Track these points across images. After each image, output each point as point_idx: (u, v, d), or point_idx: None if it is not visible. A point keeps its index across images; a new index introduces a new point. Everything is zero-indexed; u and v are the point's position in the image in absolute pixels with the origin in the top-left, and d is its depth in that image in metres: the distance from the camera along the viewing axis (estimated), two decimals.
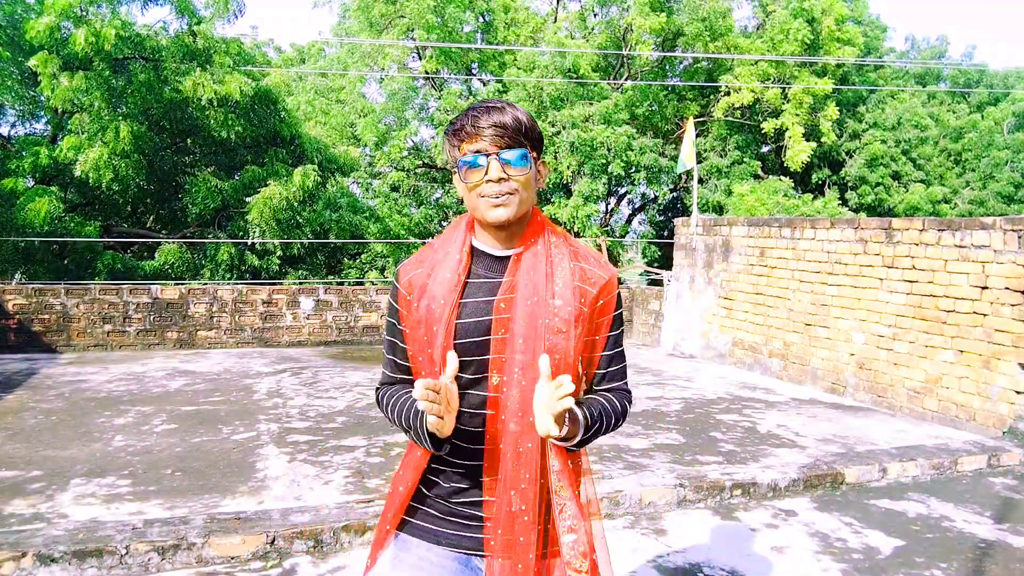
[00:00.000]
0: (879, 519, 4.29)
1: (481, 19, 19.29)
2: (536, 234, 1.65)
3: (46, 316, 8.91)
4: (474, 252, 1.65)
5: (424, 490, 1.67)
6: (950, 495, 4.75)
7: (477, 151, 1.54)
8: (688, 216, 10.13)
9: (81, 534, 3.48)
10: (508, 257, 1.63)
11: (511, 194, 1.55)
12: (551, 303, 1.56)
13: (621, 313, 1.70)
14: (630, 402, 1.77)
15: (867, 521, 4.25)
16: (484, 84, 20.48)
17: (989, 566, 3.66)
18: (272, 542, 3.56)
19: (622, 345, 1.71)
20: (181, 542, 3.45)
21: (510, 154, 1.55)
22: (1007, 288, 5.83)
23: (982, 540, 3.99)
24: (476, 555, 1.64)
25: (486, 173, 1.54)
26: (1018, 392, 5.73)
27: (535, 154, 1.60)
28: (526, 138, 1.57)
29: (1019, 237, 5.76)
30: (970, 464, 5.27)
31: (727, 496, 4.50)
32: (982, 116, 24.91)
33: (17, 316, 8.80)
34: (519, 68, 18.22)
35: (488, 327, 1.58)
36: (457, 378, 1.54)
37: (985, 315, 6.00)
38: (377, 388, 1.78)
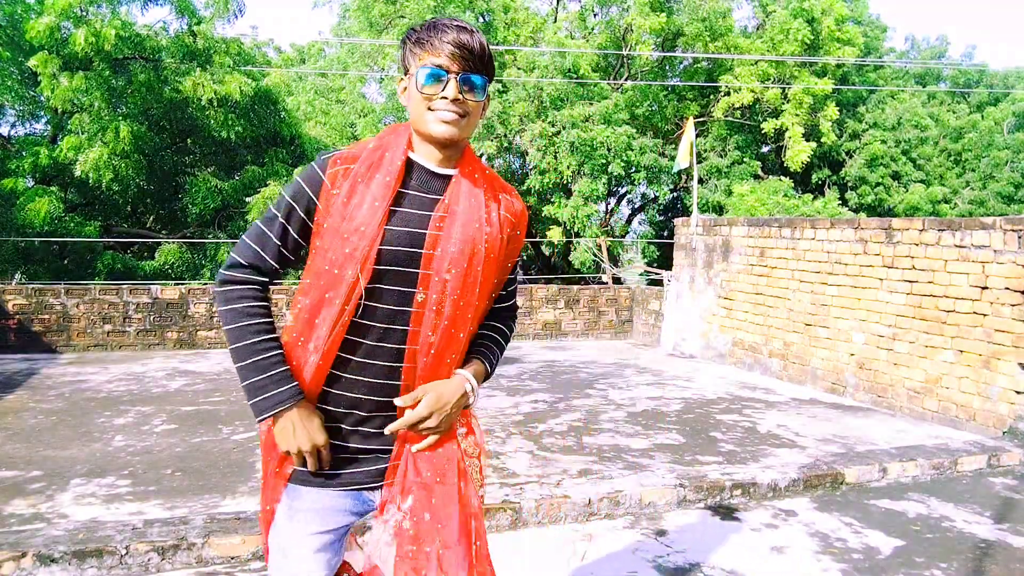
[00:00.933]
0: (879, 519, 4.29)
1: (481, 19, 19.27)
2: (472, 162, 1.68)
3: (46, 316, 8.91)
4: (409, 163, 1.64)
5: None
6: (950, 495, 4.75)
7: (439, 65, 1.55)
8: (688, 216, 10.13)
9: (81, 534, 3.48)
10: (444, 176, 1.65)
11: (463, 116, 1.57)
12: (484, 229, 1.62)
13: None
14: (515, 318, 1.91)
15: (867, 521, 4.25)
16: None
17: (989, 566, 3.66)
18: None
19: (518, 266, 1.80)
20: (181, 542, 3.45)
21: (472, 78, 1.57)
22: (1007, 288, 5.83)
23: (982, 540, 3.99)
24: (371, 487, 1.66)
25: (444, 88, 1.55)
26: (1018, 392, 5.73)
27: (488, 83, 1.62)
28: (485, 66, 1.59)
29: (1019, 237, 5.75)
30: (970, 464, 5.27)
31: (727, 496, 4.49)
32: (982, 116, 24.91)
33: (17, 316, 8.80)
34: (519, 68, 18.21)
35: (421, 241, 1.58)
36: (372, 291, 1.55)
37: (985, 315, 6.00)
38: (233, 281, 1.60)
